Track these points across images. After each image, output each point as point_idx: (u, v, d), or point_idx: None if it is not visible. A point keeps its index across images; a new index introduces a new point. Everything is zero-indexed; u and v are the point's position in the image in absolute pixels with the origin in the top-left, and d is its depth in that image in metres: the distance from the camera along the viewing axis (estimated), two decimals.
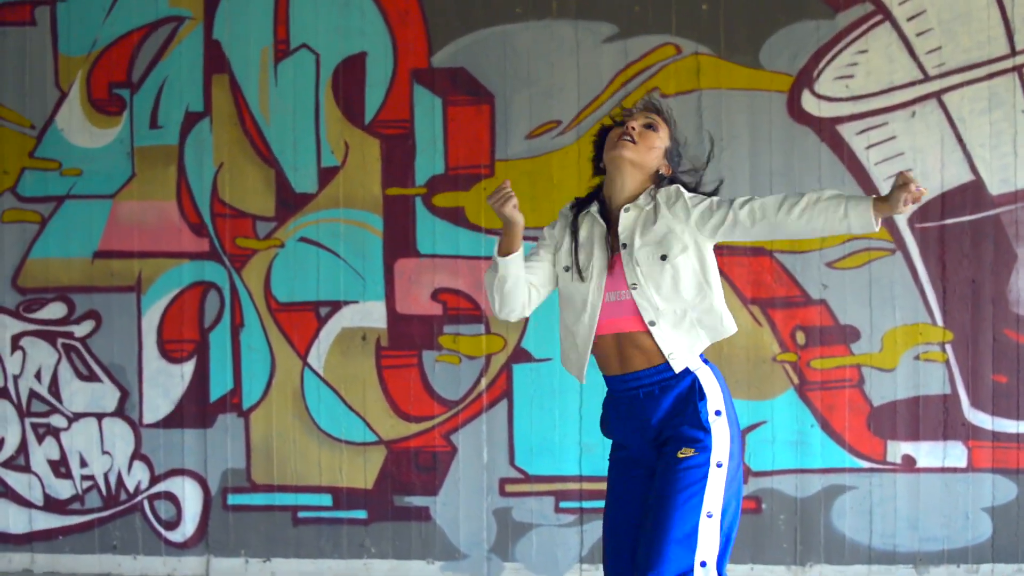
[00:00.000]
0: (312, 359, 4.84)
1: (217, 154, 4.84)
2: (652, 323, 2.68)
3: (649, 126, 2.82)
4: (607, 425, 2.89)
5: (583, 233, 2.83)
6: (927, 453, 4.65)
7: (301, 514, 4.86)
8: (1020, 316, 4.63)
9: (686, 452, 2.62)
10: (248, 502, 4.88)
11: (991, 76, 4.61)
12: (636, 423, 2.75)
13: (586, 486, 4.70)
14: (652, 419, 2.71)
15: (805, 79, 4.67)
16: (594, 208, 2.84)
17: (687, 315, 2.72)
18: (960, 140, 4.62)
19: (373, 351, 4.83)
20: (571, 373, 2.89)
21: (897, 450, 4.67)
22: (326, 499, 4.84)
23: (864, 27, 4.65)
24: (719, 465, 2.62)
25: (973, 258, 4.64)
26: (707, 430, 2.64)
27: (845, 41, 4.65)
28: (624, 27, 4.70)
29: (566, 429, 4.71)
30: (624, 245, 2.73)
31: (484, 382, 4.79)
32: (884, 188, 4.58)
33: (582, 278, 2.75)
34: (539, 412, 4.71)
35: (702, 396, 2.68)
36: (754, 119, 4.68)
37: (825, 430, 4.68)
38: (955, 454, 4.64)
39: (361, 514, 4.84)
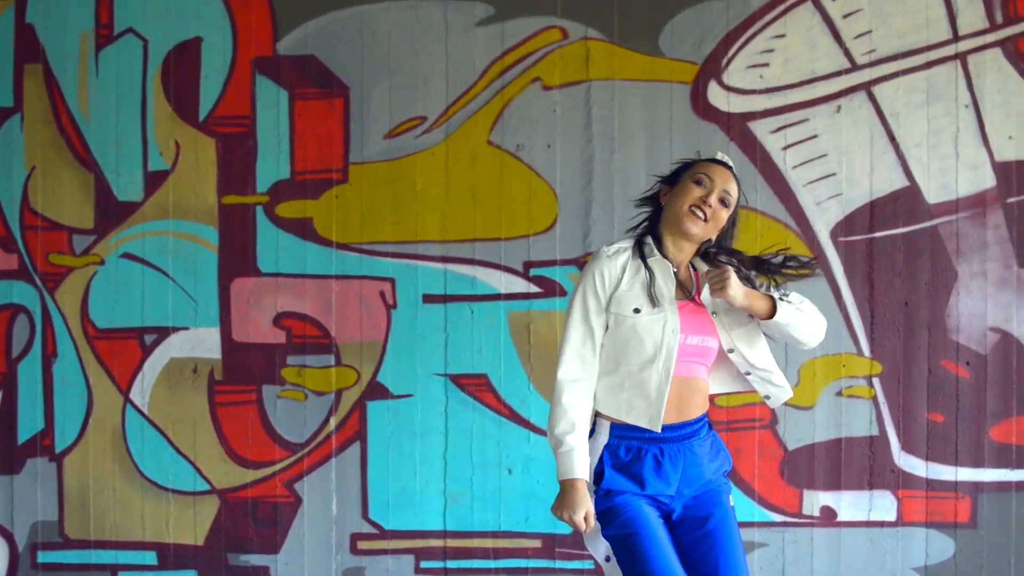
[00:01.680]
0: (135, 395, 4.33)
1: (28, 156, 4.33)
2: (748, 374, 2.94)
3: (725, 202, 2.91)
4: (637, 478, 2.83)
5: (657, 273, 2.89)
6: (850, 505, 4.19)
7: (122, 574, 4.38)
8: (960, 345, 4.12)
9: (731, 500, 2.91)
10: (61, 559, 4.39)
11: (929, 65, 4.12)
12: (689, 472, 2.85)
13: (451, 542, 4.22)
14: (702, 467, 2.86)
15: (712, 68, 4.16)
16: (654, 249, 2.92)
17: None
18: (893, 139, 4.13)
19: (205, 385, 4.32)
20: (636, 423, 2.83)
21: (815, 501, 4.20)
22: (150, 557, 4.37)
23: (781, 7, 4.13)
24: (733, 507, 2.90)
25: (906, 277, 4.13)
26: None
27: (759, 24, 4.15)
28: (501, 8, 4.19)
29: (428, 476, 4.22)
30: (714, 313, 2.90)
31: (333, 422, 4.29)
32: (802, 195, 4.15)
33: (658, 318, 2.83)
34: (397, 457, 4.23)
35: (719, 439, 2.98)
36: (652, 115, 4.17)
37: (731, 477, 4.08)
38: (883, 506, 4.18)
39: (191, 574, 4.35)
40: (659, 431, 2.79)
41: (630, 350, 2.82)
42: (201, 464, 4.32)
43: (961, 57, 4.08)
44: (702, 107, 4.14)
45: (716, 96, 4.14)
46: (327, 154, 4.22)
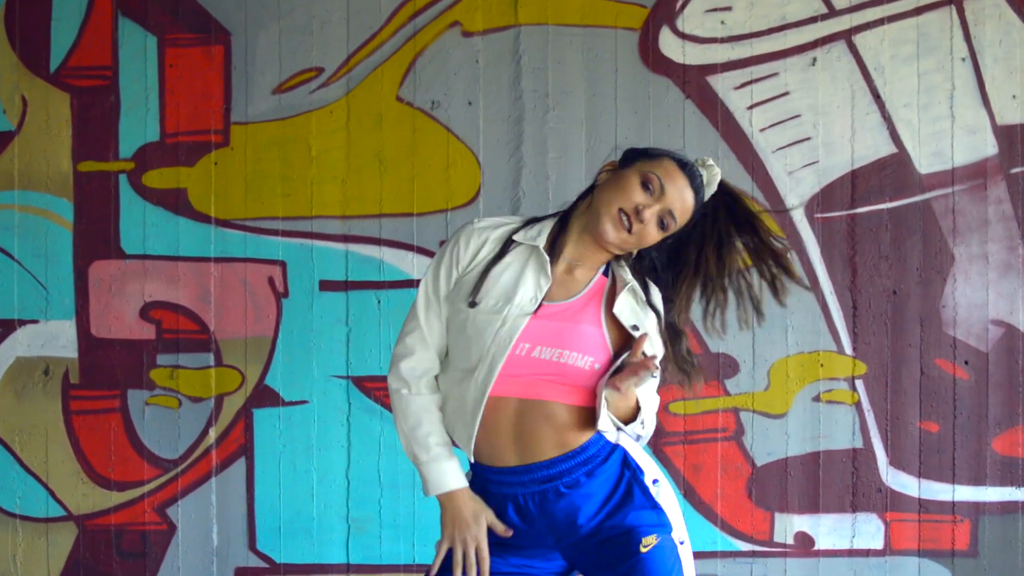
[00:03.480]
0: None
1: None
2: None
3: (663, 224, 2.36)
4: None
5: (513, 263, 2.40)
6: (830, 530, 3.84)
7: None
8: (958, 341, 3.78)
9: (649, 541, 2.33)
10: None
11: (920, 11, 3.80)
12: (554, 526, 2.33)
13: None
14: (580, 517, 2.32)
15: (664, 12, 3.81)
16: (541, 241, 2.41)
17: None
18: (877, 98, 3.80)
19: (59, 390, 3.91)
20: (461, 447, 2.41)
21: (789, 526, 3.85)
22: None
23: None
24: (682, 543, 2.38)
25: (894, 260, 3.80)
26: (657, 507, 2.37)
27: None
28: None
29: (328, 499, 3.81)
30: (635, 327, 2.37)
31: (213, 434, 3.89)
32: (772, 163, 3.88)
33: (496, 318, 2.34)
34: (291, 476, 3.83)
35: (638, 469, 2.39)
36: (593, 67, 3.82)
37: (689, 498, 3.85)
38: (868, 531, 3.83)
39: None
40: (472, 461, 2.37)
41: (458, 352, 2.38)
42: (54, 485, 3.89)
43: (956, 2, 3.77)
44: (652, 58, 3.79)
45: (669, 45, 3.79)
46: (204, 112, 3.85)
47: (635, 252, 2.40)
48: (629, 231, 2.30)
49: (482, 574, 2.28)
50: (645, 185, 2.30)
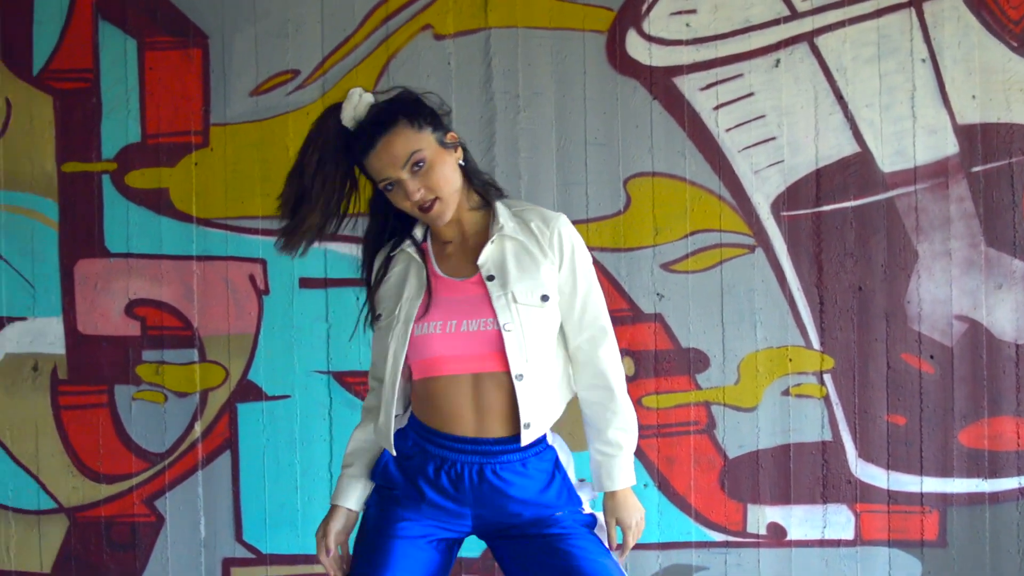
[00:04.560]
0: None
1: None
2: (519, 376, 2.37)
3: (417, 163, 2.38)
4: (411, 487, 2.47)
5: (398, 267, 2.52)
6: (801, 521, 3.88)
7: None
8: (923, 336, 3.80)
9: (572, 533, 2.46)
10: None
11: (880, 13, 3.82)
12: (480, 500, 2.42)
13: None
14: (509, 504, 2.41)
15: (631, 15, 3.85)
16: (416, 238, 2.53)
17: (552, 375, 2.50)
18: (840, 98, 3.82)
19: (48, 386, 3.98)
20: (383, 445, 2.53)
21: (761, 517, 3.89)
22: None
23: None
24: (596, 531, 2.52)
25: (860, 257, 3.83)
26: (579, 502, 2.49)
27: None
28: None
29: (312, 491, 3.86)
30: (491, 277, 2.41)
31: (199, 428, 3.95)
32: (737, 162, 3.91)
33: (391, 316, 2.48)
34: (275, 468, 3.88)
35: (564, 470, 2.48)
36: (562, 69, 3.86)
37: (663, 490, 3.88)
38: (838, 522, 3.87)
39: None
40: (394, 454, 2.49)
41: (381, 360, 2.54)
42: (45, 478, 3.96)
43: (916, 4, 3.79)
44: (620, 60, 3.82)
45: (636, 47, 3.81)
46: (184, 114, 3.90)
47: (473, 184, 2.48)
48: (429, 210, 2.37)
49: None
50: (389, 189, 2.37)
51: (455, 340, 2.37)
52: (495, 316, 2.37)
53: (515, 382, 2.36)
